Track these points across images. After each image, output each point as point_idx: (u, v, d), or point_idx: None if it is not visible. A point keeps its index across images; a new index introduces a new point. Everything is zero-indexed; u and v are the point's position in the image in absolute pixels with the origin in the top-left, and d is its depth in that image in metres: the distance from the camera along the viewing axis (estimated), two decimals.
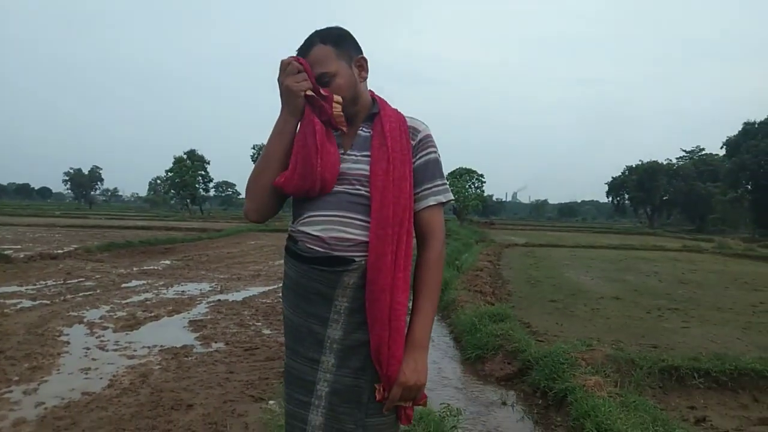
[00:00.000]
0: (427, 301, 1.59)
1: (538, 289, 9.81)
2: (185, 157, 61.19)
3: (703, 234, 41.12)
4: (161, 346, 5.46)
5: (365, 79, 1.65)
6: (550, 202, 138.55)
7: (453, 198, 1.75)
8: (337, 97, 1.55)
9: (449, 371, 5.20)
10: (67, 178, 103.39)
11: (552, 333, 6.07)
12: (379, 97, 1.69)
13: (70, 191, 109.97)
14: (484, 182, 50.58)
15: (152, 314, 6.88)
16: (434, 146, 1.67)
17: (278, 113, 1.59)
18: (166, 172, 61.86)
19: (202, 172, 62.78)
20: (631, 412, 3.51)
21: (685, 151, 66.98)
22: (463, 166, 49.55)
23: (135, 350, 5.29)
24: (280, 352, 5.36)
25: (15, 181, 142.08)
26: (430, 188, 1.63)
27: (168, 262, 13.03)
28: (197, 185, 62.16)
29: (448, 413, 3.62)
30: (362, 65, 1.63)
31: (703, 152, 64.79)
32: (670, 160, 64.40)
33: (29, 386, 4.18)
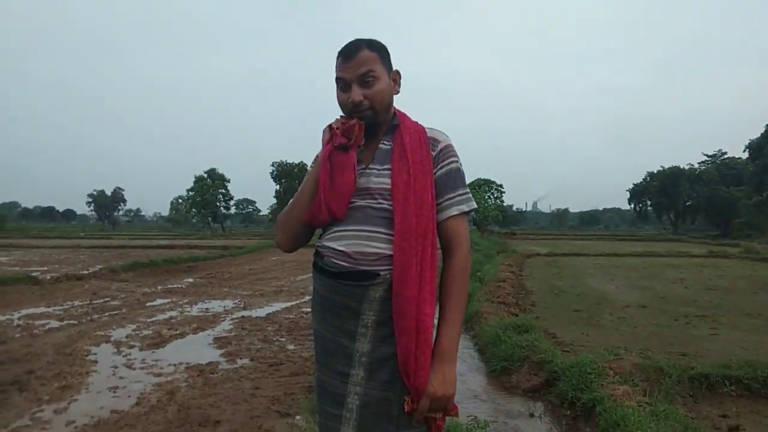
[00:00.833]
0: (453, 311, 1.59)
1: (562, 299, 9.71)
2: (206, 175, 61.92)
3: (728, 239, 40.39)
4: (187, 363, 5.50)
5: (398, 92, 1.69)
6: (571, 210, 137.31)
7: (476, 207, 1.75)
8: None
9: (475, 383, 5.16)
10: (90, 199, 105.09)
11: (578, 343, 6.01)
12: (399, 110, 1.71)
13: (93, 213, 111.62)
14: (504, 192, 50.35)
15: (177, 332, 6.94)
16: (455, 156, 1.67)
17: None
18: (188, 191, 62.64)
19: (223, 191, 63.42)
20: (662, 422, 3.45)
21: (707, 155, 66.05)
22: (481, 177, 49.44)
23: (161, 368, 5.34)
24: (304, 367, 5.37)
25: (40, 204, 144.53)
26: (453, 198, 1.63)
27: (191, 279, 13.15)
28: (218, 203, 62.82)
29: (476, 425, 3.59)
30: (396, 79, 1.68)
31: (726, 156, 63.82)
32: (692, 165, 63.57)
33: (59, 405, 4.24)
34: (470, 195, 1.68)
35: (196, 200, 61.43)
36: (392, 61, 1.70)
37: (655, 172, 63.10)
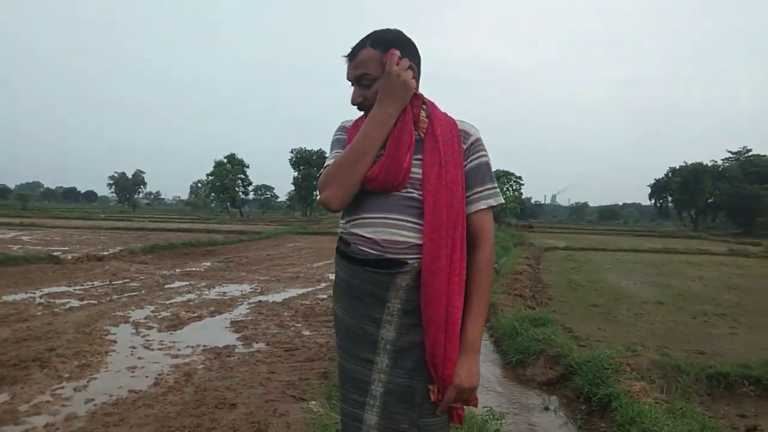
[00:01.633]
0: (478, 303, 1.59)
1: (579, 293, 9.65)
2: (225, 161, 62.31)
3: (750, 237, 39.78)
4: (204, 345, 5.56)
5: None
6: (591, 204, 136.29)
7: (503, 201, 1.74)
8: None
9: (490, 375, 5.15)
10: (111, 182, 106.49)
11: (594, 338, 5.97)
12: (429, 100, 1.67)
13: (114, 195, 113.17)
14: (523, 185, 50.30)
15: (195, 315, 7.01)
16: (485, 150, 1.66)
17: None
18: (207, 175, 63.15)
19: (242, 176, 63.86)
20: (678, 420, 3.43)
21: (731, 152, 65.05)
22: (501, 169, 49.20)
23: (179, 350, 5.40)
24: (320, 353, 5.40)
25: (62, 185, 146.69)
26: (481, 192, 1.63)
27: (209, 263, 13.26)
28: (237, 188, 63.23)
29: (491, 416, 3.59)
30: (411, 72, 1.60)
31: (750, 153, 62.76)
32: (716, 162, 62.72)
33: (79, 383, 4.30)
34: (498, 190, 1.67)
35: (215, 185, 61.94)
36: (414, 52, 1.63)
37: (678, 167, 62.37)
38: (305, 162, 64.19)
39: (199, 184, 79.93)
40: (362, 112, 1.66)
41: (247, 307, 7.74)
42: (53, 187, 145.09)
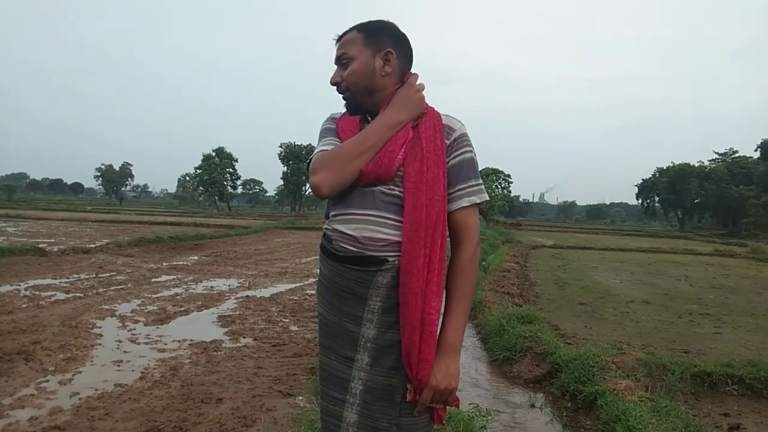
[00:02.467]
0: (459, 304, 1.57)
1: (566, 291, 9.71)
2: (214, 154, 62.03)
3: (735, 238, 40.20)
4: (191, 340, 5.53)
5: (388, 73, 1.60)
6: (578, 203, 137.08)
7: (488, 199, 1.71)
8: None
9: (476, 372, 5.17)
10: (98, 174, 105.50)
11: (581, 336, 6.01)
12: None
13: (101, 187, 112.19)
14: (511, 183, 50.39)
15: (182, 309, 6.98)
16: (470, 145, 1.62)
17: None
18: (195, 169, 62.87)
19: (230, 170, 63.64)
20: (663, 418, 3.45)
21: (717, 153, 65.63)
22: (490, 167, 49.30)
23: (165, 344, 5.37)
24: (307, 348, 5.40)
25: (49, 176, 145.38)
26: (465, 189, 1.59)
27: (197, 257, 13.19)
28: (225, 182, 62.97)
29: (477, 413, 3.60)
30: (388, 59, 1.60)
31: (737, 155, 63.35)
32: (702, 163, 63.21)
33: (64, 376, 4.27)
34: (482, 186, 1.64)
35: (203, 178, 61.68)
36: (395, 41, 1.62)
37: (665, 168, 62.82)
38: (294, 157, 64.01)
39: (187, 178, 79.49)
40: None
41: (235, 301, 7.71)
42: (39, 179, 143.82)
